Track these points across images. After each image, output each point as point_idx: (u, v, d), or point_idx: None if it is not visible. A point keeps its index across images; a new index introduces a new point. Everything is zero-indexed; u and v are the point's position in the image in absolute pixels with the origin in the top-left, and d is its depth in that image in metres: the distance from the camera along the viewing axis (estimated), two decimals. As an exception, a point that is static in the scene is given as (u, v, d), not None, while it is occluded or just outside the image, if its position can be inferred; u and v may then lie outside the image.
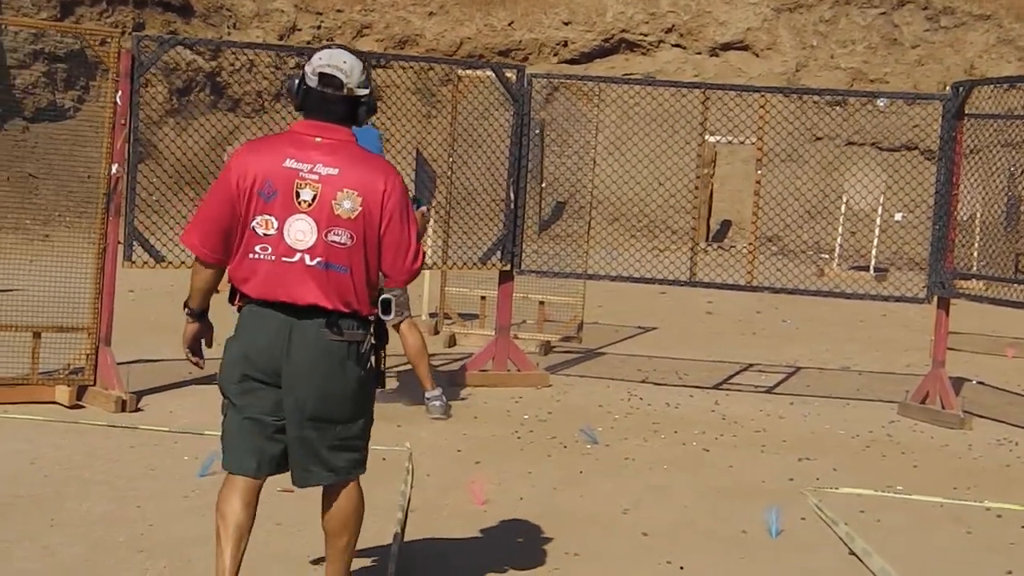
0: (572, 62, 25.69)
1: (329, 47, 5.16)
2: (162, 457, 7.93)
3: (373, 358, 5.09)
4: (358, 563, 5.85)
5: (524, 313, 13.26)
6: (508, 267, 10.78)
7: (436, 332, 13.18)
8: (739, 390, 11.29)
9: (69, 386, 9.15)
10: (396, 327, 9.28)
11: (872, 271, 20.51)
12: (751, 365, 12.48)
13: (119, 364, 9.64)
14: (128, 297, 14.00)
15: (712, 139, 13.67)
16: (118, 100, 9.17)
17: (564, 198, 23.68)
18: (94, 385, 9.23)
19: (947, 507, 7.71)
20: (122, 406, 9.01)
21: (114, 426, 8.60)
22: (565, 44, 25.72)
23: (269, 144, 5.07)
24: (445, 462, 8.22)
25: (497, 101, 11.01)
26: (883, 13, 24.76)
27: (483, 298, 12.97)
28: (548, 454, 8.58)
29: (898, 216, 20.01)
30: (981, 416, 10.44)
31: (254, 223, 4.91)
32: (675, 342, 13.77)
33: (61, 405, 9.09)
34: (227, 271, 5.07)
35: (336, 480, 5.08)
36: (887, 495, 7.92)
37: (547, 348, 12.68)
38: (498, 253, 10.79)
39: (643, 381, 11.39)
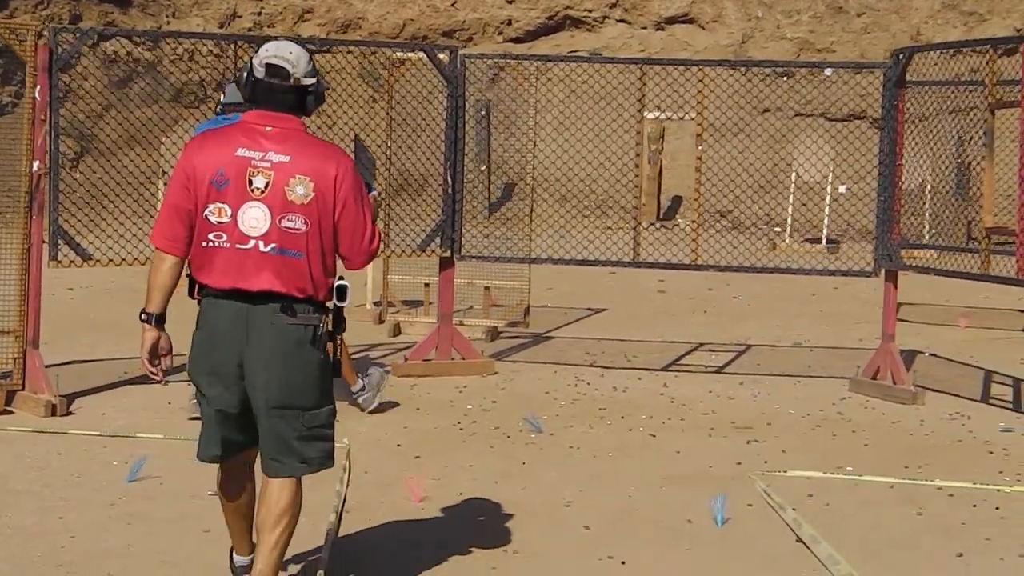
0: (517, 41, 25.42)
1: (275, 38, 5.25)
2: (90, 463, 7.67)
3: (330, 344, 5.10)
4: (289, 565, 5.64)
5: (471, 299, 13.05)
6: (448, 253, 10.54)
7: (381, 321, 12.94)
8: (688, 371, 11.10)
9: (-4, 391, 8.89)
10: None
11: (824, 243, 20.35)
12: (701, 344, 12.29)
13: (54, 366, 9.44)
14: (67, 296, 13.76)
15: (651, 115, 13.44)
16: (36, 95, 8.87)
17: (513, 180, 23.49)
18: (23, 389, 8.95)
19: (897, 487, 7.53)
20: (52, 410, 8.74)
21: (42, 432, 8.33)
22: (509, 23, 25.44)
23: (221, 134, 5.11)
24: (384, 457, 7.99)
25: (438, 84, 10.78)
26: (828, -18, 24.59)
27: (427, 285, 12.73)
28: (491, 445, 8.37)
29: (842, 188, 19.88)
30: (934, 390, 10.28)
31: (207, 211, 4.94)
32: (624, 323, 13.57)
33: (-12, 411, 8.83)
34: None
35: (308, 471, 5.12)
36: (837, 477, 7.74)
37: (494, 334, 12.47)
38: (437, 239, 10.55)
39: (591, 365, 11.18)
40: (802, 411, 9.58)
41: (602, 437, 8.70)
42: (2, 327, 9.06)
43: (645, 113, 10.71)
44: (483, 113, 22.27)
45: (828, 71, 22.60)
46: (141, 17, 23.70)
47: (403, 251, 10.77)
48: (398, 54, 11.49)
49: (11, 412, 8.85)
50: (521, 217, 19.32)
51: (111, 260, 9.32)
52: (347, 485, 7.22)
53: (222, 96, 8.73)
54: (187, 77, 22.59)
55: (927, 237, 16.78)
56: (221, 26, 24.48)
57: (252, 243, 4.93)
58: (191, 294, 5.13)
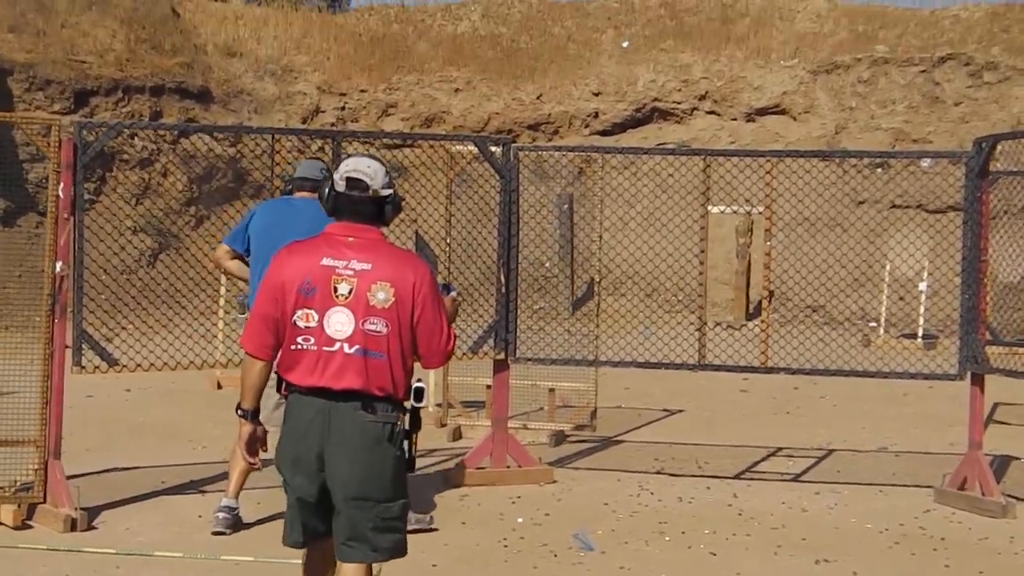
0: (604, 133, 24.92)
1: (354, 155, 5.58)
2: (96, 586, 7.14)
3: (406, 443, 5.39)
4: None
5: (538, 401, 12.45)
6: (502, 355, 9.96)
7: (442, 425, 12.35)
8: (762, 479, 10.38)
9: (16, 505, 8.38)
10: None
11: (921, 338, 19.51)
12: (779, 449, 11.56)
13: (77, 476, 8.92)
14: (122, 397, 13.34)
15: (715, 209, 12.81)
16: (60, 193, 8.44)
17: (600, 274, 22.89)
18: (44, 502, 8.45)
19: (978, 617, 6.80)
20: (72, 525, 8.21)
21: (55, 550, 7.80)
22: (596, 115, 24.95)
23: (307, 246, 5.48)
24: (416, 579, 7.37)
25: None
26: (923, 71, 23.87)
27: (489, 387, 12.11)
28: (535, 566, 7.72)
29: (922, 285, 19.07)
30: (1027, 501, 9.51)
31: (295, 317, 5.33)
32: (700, 426, 12.87)
33: (5, 526, 8.31)
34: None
35: (379, 559, 5.47)
36: (910, 604, 7.03)
37: (559, 438, 11.83)
38: (490, 340, 9.97)
39: (658, 472, 10.51)
40: (881, 525, 8.85)
41: (657, 555, 8.03)
42: (21, 437, 8.57)
43: (710, 207, 10.06)
44: (565, 207, 21.75)
45: (925, 163, 21.94)
46: (223, 113, 23.50)
47: (460, 354, 10.18)
48: (456, 148, 10.97)
49: (30, 526, 8.34)
50: (606, 312, 18.76)
51: (138, 365, 8.83)
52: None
53: (288, 174, 8.66)
54: (270, 172, 22.25)
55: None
56: (303, 121, 24.25)
57: (337, 345, 5.29)
58: (278, 390, 5.47)
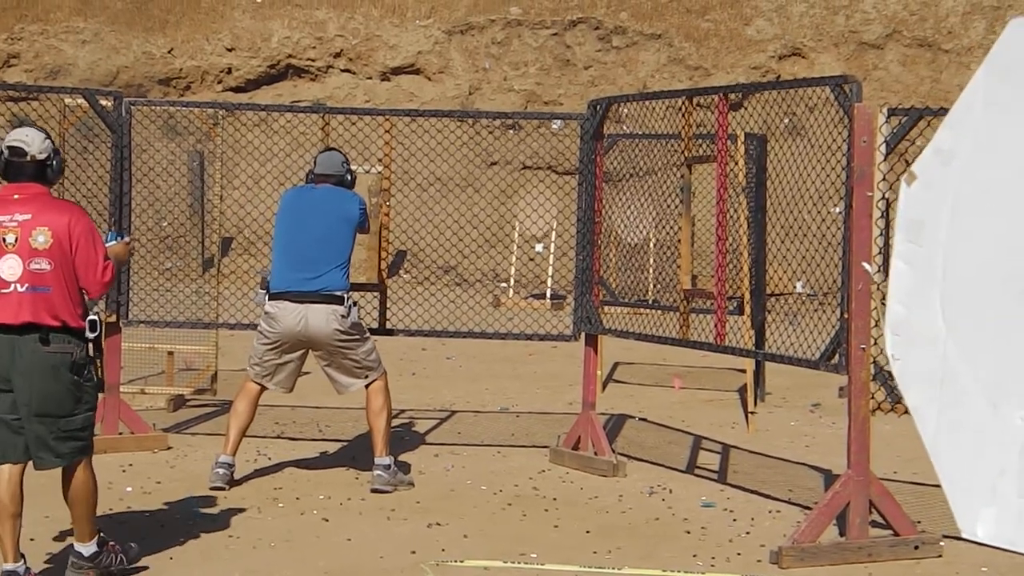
0: (238, 90, 24.44)
1: (19, 127, 6.60)
2: None
3: (92, 366, 6.40)
4: None
5: (159, 364, 12.10)
6: (113, 318, 9.60)
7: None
8: (383, 441, 10.31)
9: None
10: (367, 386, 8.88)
11: (549, 299, 19.83)
12: (403, 411, 11.52)
13: None
14: None
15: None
16: None
17: (231, 234, 22.48)
18: None
19: (582, 577, 6.87)
20: None
21: None
22: (229, 71, 24.47)
23: None
24: (10, 555, 6.99)
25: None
26: (555, 34, 24.23)
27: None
28: (141, 536, 7.40)
29: (538, 247, 19.42)
30: (639, 459, 9.72)
31: None
32: (325, 389, 12.68)
33: None
34: None
35: (63, 464, 6.40)
36: (517, 566, 7.04)
37: (179, 403, 11.52)
38: (101, 303, 9.59)
39: (278, 437, 10.35)
40: (496, 486, 8.89)
41: (271, 523, 7.86)
42: None
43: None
44: (196, 164, 21.25)
45: (556, 125, 22.28)
46: None
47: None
48: (67, 100, 10.50)
49: None
50: (239, 272, 18.40)
51: None
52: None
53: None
54: None
55: (650, 295, 16.34)
56: (-82, 71, 23.03)
57: (12, 287, 6.25)
58: None
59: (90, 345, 6.41)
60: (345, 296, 8.61)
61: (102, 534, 6.71)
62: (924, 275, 3.21)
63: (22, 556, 6.45)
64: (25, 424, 6.30)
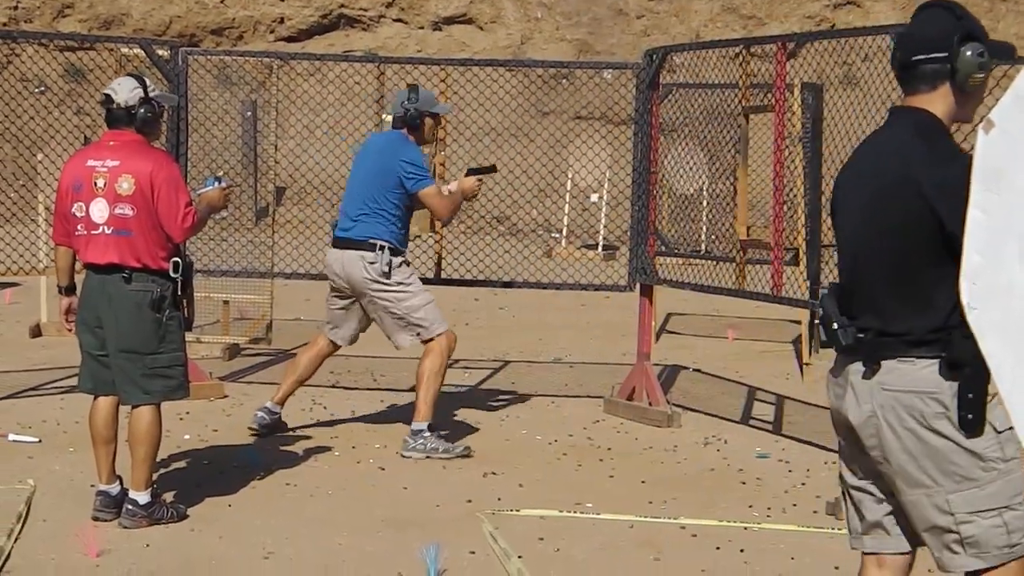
0: (290, 40, 24.50)
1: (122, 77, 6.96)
2: None
3: (172, 307, 6.64)
4: None
5: (213, 314, 12.16)
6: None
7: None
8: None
9: None
10: (427, 340, 8.55)
11: (601, 249, 19.80)
12: (456, 361, 11.50)
13: None
14: None
15: (390, 118, 12.56)
16: None
17: (285, 184, 22.54)
18: None
19: (638, 527, 6.87)
20: None
21: None
22: (281, 21, 24.50)
23: (83, 152, 6.93)
24: (71, 502, 7.05)
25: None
26: (607, -17, 24.14)
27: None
28: (198, 484, 7.49)
29: (594, 197, 19.36)
30: (693, 410, 9.72)
31: (73, 209, 6.65)
32: (379, 338, 12.68)
33: None
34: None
35: (152, 401, 6.67)
36: (573, 516, 7.06)
37: (235, 352, 11.59)
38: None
39: (333, 386, 10.39)
40: (550, 436, 8.91)
41: (326, 472, 7.91)
42: None
43: (384, 116, 9.89)
44: (248, 114, 21.28)
45: (607, 74, 22.18)
46: None
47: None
48: (123, 50, 10.54)
49: None
50: (292, 222, 18.45)
51: None
52: (15, 538, 6.33)
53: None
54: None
55: (704, 246, 16.29)
56: (-27, 21, 23.13)
57: (100, 229, 6.59)
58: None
59: (177, 286, 6.67)
60: (379, 244, 8.36)
61: (155, 487, 6.86)
62: (1002, 224, 3.17)
63: (118, 478, 6.80)
64: (112, 360, 6.61)
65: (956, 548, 3.92)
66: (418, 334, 8.54)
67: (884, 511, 4.13)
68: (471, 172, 8.87)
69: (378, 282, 8.41)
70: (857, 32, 7.83)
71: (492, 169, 9.02)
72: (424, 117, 8.54)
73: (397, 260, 8.43)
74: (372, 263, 8.37)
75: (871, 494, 4.15)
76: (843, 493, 4.27)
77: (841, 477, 4.24)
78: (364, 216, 8.43)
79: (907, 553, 4.17)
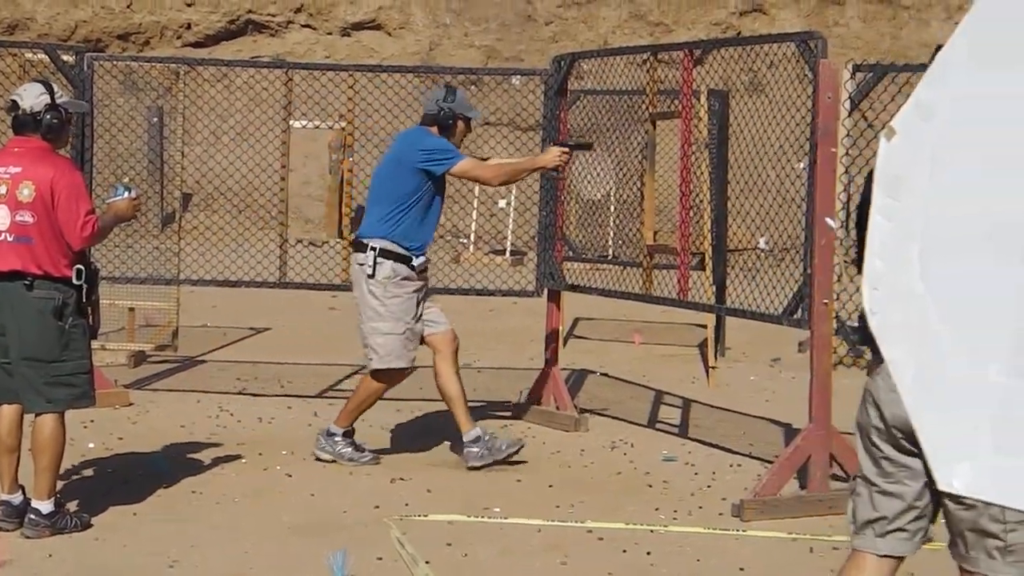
0: (197, 45, 24.27)
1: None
2: None
3: (78, 312, 6.58)
4: None
5: (120, 321, 12.05)
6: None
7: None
8: (344, 398, 10.28)
9: None
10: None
11: (508, 255, 19.83)
12: (362, 368, 11.48)
13: None
14: None
15: (297, 124, 12.54)
16: None
17: (192, 190, 22.36)
18: None
19: (545, 531, 6.90)
20: None
21: None
22: (189, 26, 24.31)
23: None
24: (-26, 511, 6.98)
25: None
26: (516, -11, 24.18)
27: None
28: (103, 493, 7.43)
29: (501, 203, 19.40)
30: (600, 414, 9.79)
31: None
32: (287, 344, 12.73)
33: None
34: None
35: (55, 409, 6.60)
36: (481, 521, 7.07)
37: (140, 359, 11.50)
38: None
39: (239, 393, 10.34)
40: (458, 442, 8.89)
41: (233, 479, 7.87)
42: None
43: (293, 122, 9.88)
44: (155, 120, 21.12)
45: (516, 81, 22.20)
46: None
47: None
48: (27, 55, 10.43)
49: None
50: (199, 228, 18.30)
51: None
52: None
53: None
54: None
55: (611, 251, 16.35)
56: None
57: (1, 236, 6.51)
58: None
59: (81, 293, 6.60)
60: (371, 246, 8.02)
61: (59, 496, 6.79)
62: (903, 230, 3.22)
63: (21, 488, 6.71)
64: (15, 368, 6.55)
65: (995, 554, 3.90)
66: (370, 358, 8.30)
67: (912, 516, 4.07)
68: (564, 144, 8.50)
69: (363, 285, 8.12)
70: (763, 39, 7.92)
71: (589, 146, 8.81)
72: (457, 119, 8.20)
73: (389, 268, 8.08)
74: (360, 264, 8.10)
75: (900, 498, 4.07)
76: (856, 494, 4.16)
77: (864, 479, 4.15)
78: (373, 214, 8.14)
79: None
